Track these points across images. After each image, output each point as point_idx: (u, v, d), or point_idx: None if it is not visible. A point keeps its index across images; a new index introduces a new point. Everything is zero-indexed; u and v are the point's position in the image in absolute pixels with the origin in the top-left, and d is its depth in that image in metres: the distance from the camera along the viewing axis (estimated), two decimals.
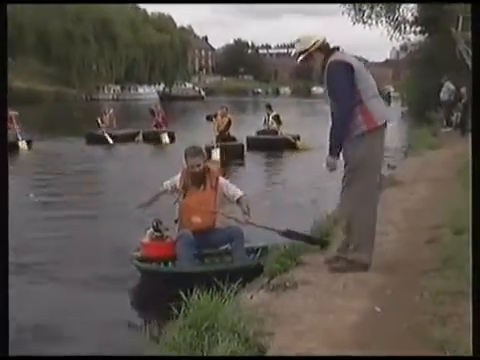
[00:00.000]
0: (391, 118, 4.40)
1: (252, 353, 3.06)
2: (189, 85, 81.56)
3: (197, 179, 5.41)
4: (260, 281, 4.49)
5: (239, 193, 5.48)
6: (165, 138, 18.48)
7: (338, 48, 4.32)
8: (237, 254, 5.39)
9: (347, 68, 4.11)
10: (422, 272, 4.23)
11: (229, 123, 15.24)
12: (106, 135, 18.22)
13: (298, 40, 4.38)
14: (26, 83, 53.64)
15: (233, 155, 14.52)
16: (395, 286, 4.06)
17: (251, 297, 4.01)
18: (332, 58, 4.18)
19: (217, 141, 14.70)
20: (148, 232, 5.50)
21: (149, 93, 69.28)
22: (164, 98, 61.28)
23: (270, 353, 3.08)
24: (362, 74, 4.19)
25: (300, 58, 4.32)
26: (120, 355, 3.75)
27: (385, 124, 4.25)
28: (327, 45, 4.31)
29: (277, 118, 16.74)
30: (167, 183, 5.59)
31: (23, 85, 52.16)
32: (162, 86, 75.40)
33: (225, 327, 3.20)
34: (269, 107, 17.15)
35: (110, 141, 18.07)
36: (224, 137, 14.87)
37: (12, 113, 15.99)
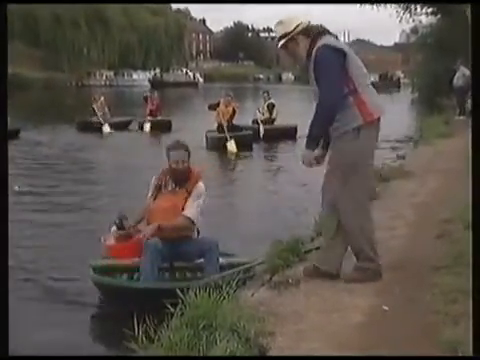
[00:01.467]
0: (385, 110, 4.12)
1: (252, 354, 3.07)
2: (183, 71, 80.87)
3: (181, 177, 5.02)
4: (261, 278, 4.49)
5: (189, 213, 4.98)
6: (147, 127, 18.49)
7: (326, 32, 4.04)
8: (209, 269, 4.91)
9: (338, 53, 3.88)
10: (432, 269, 4.24)
11: (234, 112, 15.08)
12: (103, 123, 18.48)
13: (280, 22, 4.09)
14: (13, 68, 53.41)
15: (242, 145, 14.37)
16: (404, 284, 4.06)
17: (252, 295, 4.01)
18: (320, 43, 3.91)
19: (221, 131, 14.61)
20: (111, 231, 5.05)
21: (144, 79, 69.19)
22: (155, 85, 60.93)
23: (271, 354, 3.09)
24: (355, 61, 3.96)
25: (281, 42, 4.05)
26: (120, 355, 3.76)
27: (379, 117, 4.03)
28: (313, 29, 4.03)
29: (271, 107, 16.59)
30: (149, 194, 5.18)
31: (9, 70, 51.91)
32: (153, 72, 74.59)
33: (224, 326, 3.20)
34: (267, 93, 17.03)
35: (108, 130, 18.29)
36: (229, 127, 14.70)
37: None
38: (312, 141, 3.95)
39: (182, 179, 5.03)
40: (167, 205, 4.93)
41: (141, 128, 18.84)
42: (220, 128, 14.79)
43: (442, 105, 22.37)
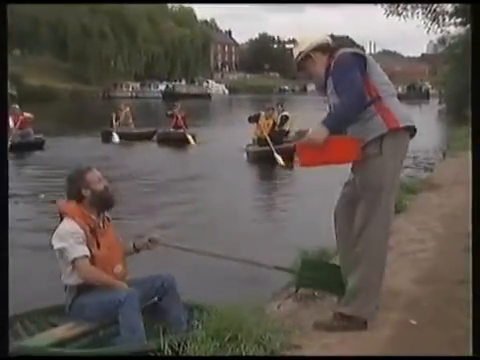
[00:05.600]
0: (413, 122, 3.65)
1: None
2: (195, 82, 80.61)
3: (109, 201, 3.92)
4: (287, 290, 4.47)
5: None
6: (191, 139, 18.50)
7: (343, 45, 3.75)
8: (173, 313, 3.85)
9: (358, 58, 3.58)
10: (461, 282, 4.18)
11: (274, 125, 14.83)
12: (114, 134, 18.77)
13: (294, 41, 3.97)
14: (40, 80, 54.33)
15: (286, 158, 13.40)
16: (432, 297, 4.02)
17: (278, 307, 4.00)
18: (338, 53, 3.64)
19: (262, 145, 14.26)
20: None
21: None
22: (166, 96, 60.90)
23: None
24: (376, 67, 3.65)
25: (297, 62, 3.84)
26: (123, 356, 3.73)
27: (408, 128, 3.61)
28: (328, 45, 3.76)
29: (284, 118, 15.95)
30: (77, 249, 3.67)
31: (36, 82, 52.93)
32: (165, 83, 74.31)
33: (249, 339, 3.19)
34: (281, 105, 16.76)
35: (116, 140, 18.56)
36: (275, 140, 14.18)
37: (26, 115, 16.62)
38: (336, 126, 3.51)
39: (110, 201, 3.93)
40: (113, 241, 3.92)
41: (162, 140, 18.90)
42: (260, 141, 14.48)
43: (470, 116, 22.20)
